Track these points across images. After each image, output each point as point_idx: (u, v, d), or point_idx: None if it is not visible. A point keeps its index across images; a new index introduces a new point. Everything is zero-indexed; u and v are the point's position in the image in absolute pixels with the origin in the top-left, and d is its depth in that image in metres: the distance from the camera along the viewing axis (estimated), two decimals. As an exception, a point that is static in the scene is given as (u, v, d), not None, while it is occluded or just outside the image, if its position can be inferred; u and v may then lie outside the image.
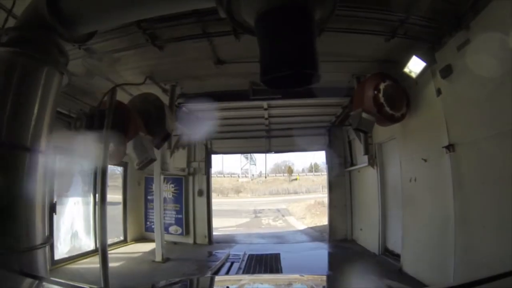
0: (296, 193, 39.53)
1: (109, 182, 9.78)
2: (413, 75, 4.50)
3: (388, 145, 6.23)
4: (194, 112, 6.72)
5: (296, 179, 45.25)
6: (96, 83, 5.13)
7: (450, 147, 4.06)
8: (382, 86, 4.75)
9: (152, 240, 8.88)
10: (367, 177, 7.13)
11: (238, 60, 4.41)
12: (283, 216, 17.10)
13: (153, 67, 5.00)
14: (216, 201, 31.19)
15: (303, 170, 50.84)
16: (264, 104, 5.97)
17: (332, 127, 8.11)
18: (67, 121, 4.88)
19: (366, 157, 6.77)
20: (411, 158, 5.16)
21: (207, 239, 8.24)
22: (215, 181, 50.80)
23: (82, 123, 3.98)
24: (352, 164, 7.98)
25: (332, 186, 8.12)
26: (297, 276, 2.23)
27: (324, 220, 13.27)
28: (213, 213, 18.78)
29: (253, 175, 48.67)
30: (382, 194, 6.40)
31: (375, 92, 4.73)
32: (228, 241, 9.00)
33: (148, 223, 8.97)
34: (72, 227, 7.17)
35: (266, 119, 6.84)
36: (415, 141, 5.08)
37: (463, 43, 3.66)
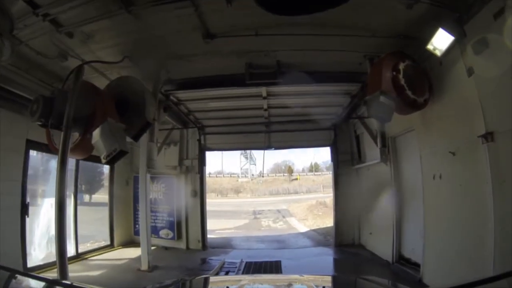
0: (296, 193, 39.16)
1: (96, 181, 9.22)
2: (438, 52, 3.79)
3: (404, 138, 5.48)
4: (184, 102, 5.99)
5: (296, 179, 44.79)
6: (72, 66, 4.43)
7: (487, 136, 3.31)
8: (401, 66, 4.03)
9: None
10: (378, 175, 6.38)
11: (230, 33, 3.67)
12: (283, 217, 16.35)
13: (133, 45, 4.27)
14: (215, 202, 30.84)
15: (303, 170, 50.38)
16: (263, 91, 5.23)
17: (338, 120, 7.34)
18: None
19: (377, 153, 6.02)
20: (435, 152, 4.41)
21: (200, 244, 7.48)
22: (214, 181, 50.67)
23: (39, 107, 3.24)
24: (360, 161, 7.23)
25: (338, 186, 7.36)
26: (297, 276, 2.28)
27: (327, 222, 12.53)
28: (211, 214, 17.91)
29: (253, 175, 48.20)
30: (397, 194, 5.65)
31: (394, 73, 4.00)
32: (224, 246, 8.25)
33: (137, 226, 8.18)
34: (49, 231, 6.46)
35: (265, 110, 6.08)
36: (440, 131, 4.32)
37: (500, 9, 2.95)
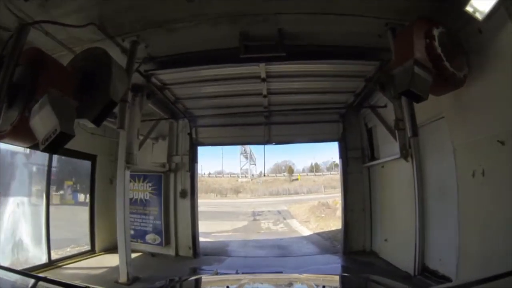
0: (297, 193, 38.76)
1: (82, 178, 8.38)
2: (479, 16, 2.97)
3: (429, 129, 4.62)
4: (169, 86, 5.12)
5: (297, 179, 44.24)
6: (37, 40, 3.62)
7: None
8: (436, 32, 3.17)
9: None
10: (395, 174, 5.51)
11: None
12: (284, 219, 15.45)
13: (100, 10, 3.43)
14: (214, 202, 30.04)
15: (303, 170, 49.98)
16: (262, 71, 4.35)
17: (347, 112, 6.47)
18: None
19: (395, 147, 5.18)
20: (475, 143, 3.55)
21: (191, 251, 6.60)
22: (214, 181, 50.25)
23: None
24: (373, 158, 6.35)
25: (347, 186, 6.47)
26: (297, 275, 2.36)
27: (331, 224, 11.66)
28: (209, 216, 16.94)
29: (252, 175, 47.65)
30: (420, 194, 4.77)
31: (427, 40, 3.14)
32: (219, 252, 7.38)
33: (122, 230, 7.35)
34: (15, 235, 5.64)
35: (265, 96, 5.21)
36: (481, 117, 3.46)
37: None
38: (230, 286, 1.82)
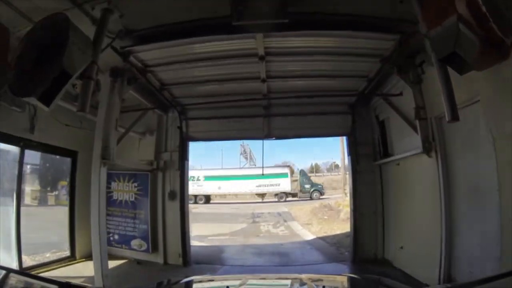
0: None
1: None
2: None
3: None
4: (152, 68, 4.42)
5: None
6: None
7: None
8: (478, -13, 2.45)
9: (113, 257, 6.65)
10: (414, 171, 4.80)
11: None
12: (285, 221, 14.68)
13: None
14: (212, 203, 29.20)
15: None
16: (259, 46, 3.62)
17: (357, 102, 5.75)
18: None
19: (415, 141, 4.49)
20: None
21: (181, 259, 5.87)
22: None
23: None
24: (386, 155, 5.63)
25: (357, 186, 5.73)
26: (297, 276, 2.36)
27: (335, 228, 10.92)
28: (206, 218, 16.07)
29: (252, 175, 46.83)
30: (447, 195, 4.06)
31: (470, -3, 2.43)
32: (212, 260, 6.65)
33: (107, 233, 6.64)
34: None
35: (264, 81, 4.48)
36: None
37: None
38: (230, 287, 1.80)
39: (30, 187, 6.39)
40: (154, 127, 6.38)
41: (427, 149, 4.23)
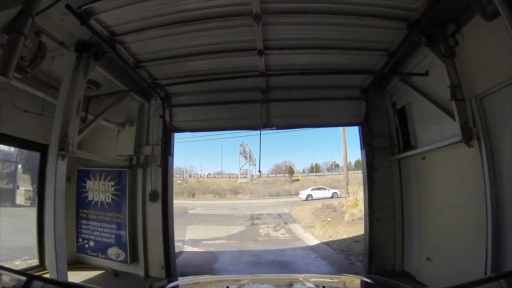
0: (298, 194, 37.44)
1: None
2: None
3: (502, 96, 3.02)
4: (121, 37, 3.51)
5: (297, 179, 43.06)
6: None
7: None
8: None
9: (88, 267, 5.81)
10: (447, 166, 3.89)
11: None
12: (285, 223, 13.78)
13: None
14: (212, 204, 28.48)
15: (303, 171, 48.86)
16: (254, 1, 2.72)
17: (372, 85, 4.84)
18: None
19: (445, 129, 3.61)
20: None
21: (164, 271, 4.97)
22: (213, 182, 49.51)
23: None
24: (407, 148, 4.72)
25: (372, 185, 4.79)
26: (297, 276, 2.51)
27: (340, 231, 10.00)
28: (203, 219, 15.06)
29: (252, 175, 46.26)
30: (494, 196, 3.16)
31: None
32: (202, 270, 5.75)
33: (80, 240, 5.78)
34: None
35: (261, 53, 3.53)
36: None
37: None
38: (230, 287, 1.81)
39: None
40: (135, 118, 5.49)
41: (467, 137, 3.33)
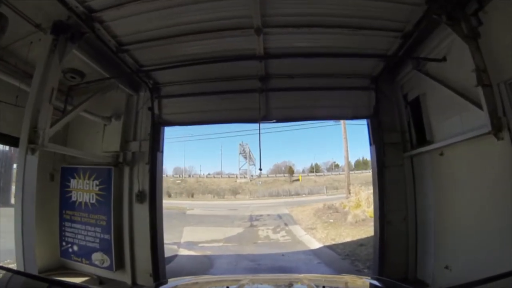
0: (298, 194, 37.23)
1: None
2: None
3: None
4: (98, 12, 3.05)
5: (297, 179, 42.72)
6: None
7: None
8: None
9: (71, 273, 5.36)
10: (471, 162, 3.43)
11: None
12: (286, 225, 13.29)
13: None
14: (210, 204, 28.01)
15: (303, 171, 48.48)
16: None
17: (382, 75, 4.38)
18: None
19: (467, 121, 3.18)
20: None
21: (152, 280, 4.50)
22: (212, 182, 49.43)
23: None
24: (421, 143, 4.26)
25: (383, 185, 4.31)
26: (297, 276, 2.51)
27: (343, 234, 9.51)
28: (201, 220, 14.55)
29: (252, 175, 45.88)
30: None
31: None
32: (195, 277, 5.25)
33: (64, 243, 5.31)
34: None
35: (259, 31, 3.05)
36: None
37: None
38: (230, 287, 1.80)
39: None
40: (122, 111, 5.03)
41: (496, 128, 2.88)
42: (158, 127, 4.60)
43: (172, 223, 14.21)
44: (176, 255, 7.96)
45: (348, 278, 2.46)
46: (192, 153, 75.24)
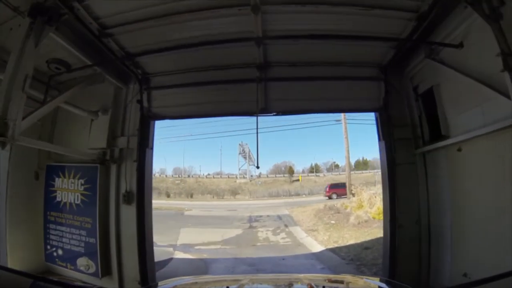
0: (298, 195, 37.03)
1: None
2: None
3: None
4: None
5: (297, 180, 42.50)
6: None
7: None
8: None
9: (57, 279, 4.90)
10: (493, 158, 3.06)
11: None
12: (286, 226, 12.91)
13: None
14: (209, 204, 27.74)
15: (303, 171, 48.37)
16: None
17: (392, 64, 4.02)
18: None
19: (488, 112, 2.85)
20: None
21: (140, 287, 4.13)
22: (211, 182, 49.46)
23: None
24: (436, 138, 3.89)
25: (394, 184, 3.91)
26: (297, 276, 2.45)
27: (346, 236, 9.13)
28: (199, 221, 14.23)
29: (251, 175, 45.63)
30: None
31: None
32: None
33: (49, 247, 4.94)
34: None
35: (256, 9, 2.69)
36: None
37: None
38: (230, 287, 1.79)
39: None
40: (109, 105, 4.65)
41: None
42: (148, 121, 4.22)
43: (169, 224, 13.86)
44: (171, 259, 7.60)
45: (348, 278, 2.44)
46: (192, 153, 74.98)
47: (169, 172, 50.41)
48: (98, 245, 4.35)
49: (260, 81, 3.81)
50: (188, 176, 48.56)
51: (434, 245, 3.99)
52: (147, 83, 4.24)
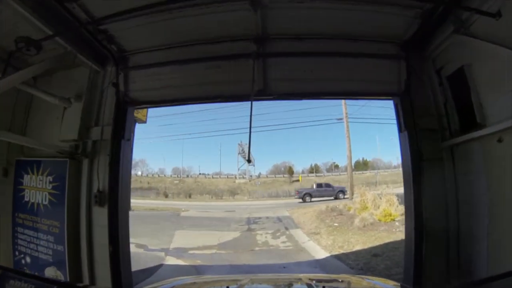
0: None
1: None
2: None
3: None
4: None
5: (297, 180, 42.13)
6: None
7: None
8: None
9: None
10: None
11: None
12: (286, 229, 12.24)
13: None
14: (208, 205, 27.05)
15: (303, 172, 48.12)
16: None
17: (414, 39, 3.38)
18: None
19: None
20: None
21: (115, 304, 3.48)
22: (210, 182, 49.30)
23: None
24: (471, 128, 3.23)
25: (420, 183, 3.24)
26: (297, 276, 2.49)
27: (352, 240, 8.44)
28: (195, 223, 13.80)
29: (251, 176, 45.26)
30: None
31: None
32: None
33: (17, 253, 4.30)
34: None
35: None
36: None
37: None
38: (230, 287, 1.85)
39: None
40: (83, 90, 4.01)
41: None
42: (125, 108, 3.57)
43: (164, 225, 13.22)
44: (161, 265, 6.96)
45: (348, 278, 2.41)
46: (192, 154, 74.49)
47: (169, 172, 50.00)
48: (67, 253, 3.69)
49: (257, 57, 3.13)
50: (187, 176, 48.16)
51: (463, 255, 3.34)
52: (125, 63, 3.59)
